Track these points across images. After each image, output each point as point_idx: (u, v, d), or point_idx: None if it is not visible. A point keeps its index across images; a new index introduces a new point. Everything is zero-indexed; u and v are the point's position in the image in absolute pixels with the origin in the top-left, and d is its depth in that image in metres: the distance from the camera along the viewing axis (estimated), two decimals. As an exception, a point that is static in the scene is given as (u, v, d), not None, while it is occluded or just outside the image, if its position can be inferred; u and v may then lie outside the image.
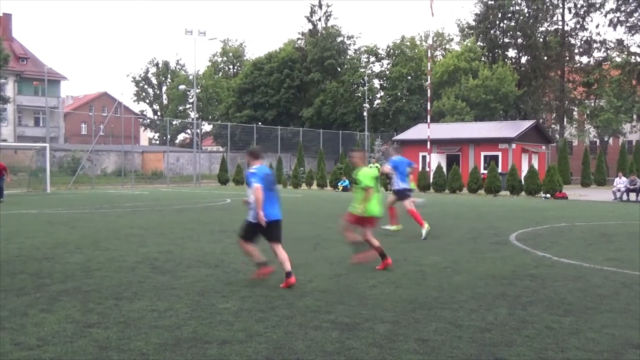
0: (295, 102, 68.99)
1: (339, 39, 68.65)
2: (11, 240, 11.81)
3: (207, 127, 78.48)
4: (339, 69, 68.08)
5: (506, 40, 61.09)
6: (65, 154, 47.61)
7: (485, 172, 32.57)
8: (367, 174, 8.61)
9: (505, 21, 59.68)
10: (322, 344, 5.31)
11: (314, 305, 6.67)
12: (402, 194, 13.34)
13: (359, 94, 64.97)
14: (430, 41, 50.64)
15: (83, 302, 6.69)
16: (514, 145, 37.57)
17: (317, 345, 5.28)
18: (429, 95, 40.60)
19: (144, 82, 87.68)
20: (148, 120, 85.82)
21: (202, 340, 5.37)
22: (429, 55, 44.83)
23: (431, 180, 33.26)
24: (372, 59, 69.71)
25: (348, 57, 69.01)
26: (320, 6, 69.59)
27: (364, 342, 5.36)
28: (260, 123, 64.27)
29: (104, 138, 61.66)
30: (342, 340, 5.41)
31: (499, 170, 32.51)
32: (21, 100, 60.83)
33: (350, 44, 70.07)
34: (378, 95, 68.87)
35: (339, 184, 35.23)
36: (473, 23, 61.74)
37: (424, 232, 12.58)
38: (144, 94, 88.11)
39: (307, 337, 5.50)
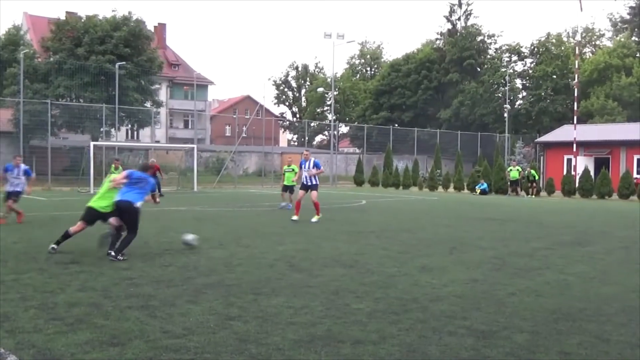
0: (433, 103, 68.10)
1: (479, 38, 66.91)
2: (163, 235, 12.67)
3: (344, 128, 79.46)
4: (479, 69, 66.31)
5: (665, 34, 56.45)
6: (211, 155, 50.30)
7: (639, 176, 30.26)
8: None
9: (664, 13, 55.17)
10: (457, 350, 5.19)
11: (449, 310, 6.53)
12: None
13: (500, 94, 62.87)
14: (578, 37, 47.82)
15: (225, 296, 7.02)
16: (672, 148, 34.60)
17: (451, 351, 5.17)
18: (576, 94, 38.43)
19: (284, 86, 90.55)
20: (287, 122, 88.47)
21: (336, 339, 5.43)
22: (577, 52, 42.40)
23: (577, 185, 31.45)
24: (514, 57, 67.20)
25: (488, 56, 67.06)
26: (460, 5, 68.25)
27: (501, 351, 5.17)
28: (396, 125, 64.12)
29: (246, 139, 64.30)
30: (478, 347, 5.25)
31: (655, 174, 30.08)
32: (172, 104, 65.03)
33: (490, 43, 68.10)
34: (520, 96, 66.31)
35: (476, 187, 34.29)
36: (627, 17, 57.68)
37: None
38: (283, 96, 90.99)
39: (441, 342, 5.40)
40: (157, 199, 11.05)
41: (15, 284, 7.48)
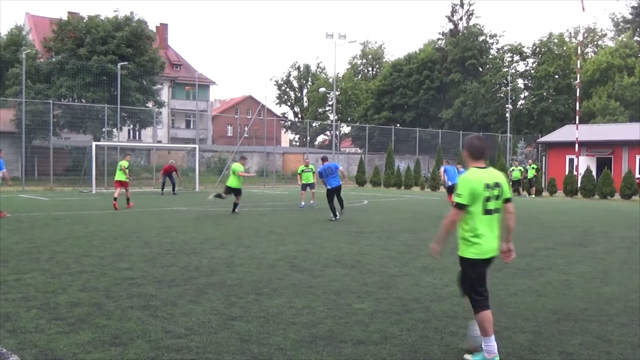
0: (435, 103, 68.05)
1: (481, 38, 66.82)
2: (165, 235, 12.68)
3: (345, 128, 79.54)
4: (481, 69, 66.25)
5: (667, 34, 56.36)
6: (213, 155, 50.30)
7: (641, 176, 30.24)
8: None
9: (666, 13, 55.08)
10: (459, 350, 5.19)
11: (451, 310, 6.53)
12: None
13: (502, 95, 62.79)
14: (580, 37, 47.75)
15: (226, 296, 7.03)
16: (674, 148, 34.55)
17: (453, 351, 5.17)
18: (578, 94, 38.39)
19: (285, 86, 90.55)
20: (289, 123, 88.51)
21: (338, 339, 5.44)
22: (579, 52, 42.36)
23: (579, 185, 31.42)
24: (516, 57, 67.11)
25: (490, 56, 66.98)
26: (461, 5, 68.17)
27: (503, 351, 5.17)
28: (398, 125, 64.08)
29: (248, 139, 64.45)
30: (480, 348, 5.25)
31: (657, 174, 30.04)
32: (174, 104, 65.06)
33: (492, 43, 67.98)
34: (522, 96, 66.19)
35: (478, 187, 34.21)
36: (629, 16, 57.53)
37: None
38: (285, 96, 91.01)
39: (443, 342, 5.40)
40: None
41: (17, 284, 7.49)
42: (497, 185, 5.00)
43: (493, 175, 5.05)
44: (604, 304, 6.98)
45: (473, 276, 4.99)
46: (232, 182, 18.38)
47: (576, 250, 11.32)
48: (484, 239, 4.93)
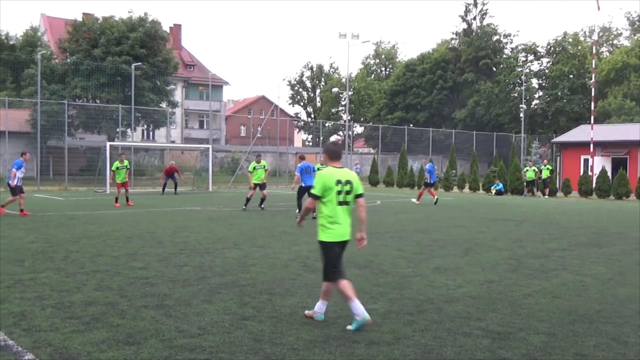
0: (448, 103, 67.84)
1: (495, 38, 66.55)
2: (178, 235, 12.74)
3: (358, 129, 79.46)
4: (494, 69, 65.95)
5: (684, 33, 55.77)
6: (226, 155, 50.46)
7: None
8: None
9: (683, 12, 54.48)
10: (472, 351, 5.16)
11: (464, 311, 6.50)
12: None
13: (516, 94, 62.49)
14: (595, 37, 47.45)
15: (240, 296, 7.04)
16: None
17: (466, 352, 5.14)
18: (593, 94, 38.05)
19: (298, 86, 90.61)
20: (302, 123, 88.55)
21: (351, 339, 5.43)
22: (594, 51, 42.02)
23: (594, 185, 31.16)
24: (531, 57, 66.78)
25: (504, 56, 66.68)
26: (475, 4, 67.93)
27: (517, 352, 5.14)
28: (411, 125, 63.95)
29: (261, 140, 64.55)
30: (493, 349, 5.23)
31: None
32: (188, 105, 65.31)
33: (506, 43, 67.71)
34: (536, 95, 65.86)
35: (492, 187, 34.09)
36: (645, 16, 56.99)
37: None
38: (298, 97, 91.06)
39: (456, 343, 5.38)
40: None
41: (32, 283, 7.55)
42: (348, 182, 6.03)
43: (346, 174, 6.10)
44: (619, 305, 6.91)
45: (330, 256, 6.03)
46: (259, 176, 20.46)
47: (591, 251, 11.23)
48: (337, 225, 5.99)
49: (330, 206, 5.98)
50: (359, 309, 5.73)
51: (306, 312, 6.24)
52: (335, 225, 5.98)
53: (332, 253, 6.02)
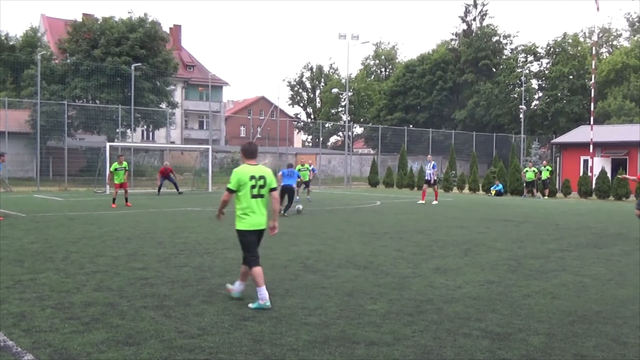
0: (448, 104, 67.85)
1: (495, 39, 66.58)
2: (178, 235, 12.74)
3: (358, 129, 79.49)
4: (494, 70, 65.98)
5: (684, 33, 55.78)
6: (226, 155, 50.44)
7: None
8: None
9: (682, 13, 54.51)
10: (472, 352, 5.16)
11: (464, 312, 6.50)
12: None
13: (515, 95, 62.51)
14: (595, 37, 47.41)
15: (239, 296, 7.03)
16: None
17: (466, 353, 5.14)
18: (592, 95, 38.05)
19: (298, 86, 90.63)
20: (302, 123, 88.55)
21: (350, 340, 5.43)
22: (594, 52, 42.00)
23: (594, 186, 31.16)
24: (530, 58, 66.81)
25: (504, 57, 66.71)
26: (475, 5, 67.97)
27: (516, 353, 5.14)
28: (411, 125, 63.95)
29: (261, 140, 64.57)
30: (493, 350, 5.23)
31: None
32: (187, 105, 65.30)
33: (506, 44, 67.74)
34: (536, 96, 65.89)
35: (492, 188, 34.08)
36: (645, 16, 57.01)
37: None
38: (298, 97, 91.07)
39: (455, 344, 5.38)
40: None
41: (31, 284, 7.55)
42: (262, 177, 6.71)
43: (260, 170, 6.76)
44: (619, 306, 6.92)
45: (245, 243, 6.77)
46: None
47: (591, 252, 11.23)
48: (252, 215, 6.67)
49: (245, 199, 6.64)
50: (265, 295, 6.45)
51: (227, 285, 7.19)
52: (249, 215, 6.65)
53: (247, 240, 6.74)
